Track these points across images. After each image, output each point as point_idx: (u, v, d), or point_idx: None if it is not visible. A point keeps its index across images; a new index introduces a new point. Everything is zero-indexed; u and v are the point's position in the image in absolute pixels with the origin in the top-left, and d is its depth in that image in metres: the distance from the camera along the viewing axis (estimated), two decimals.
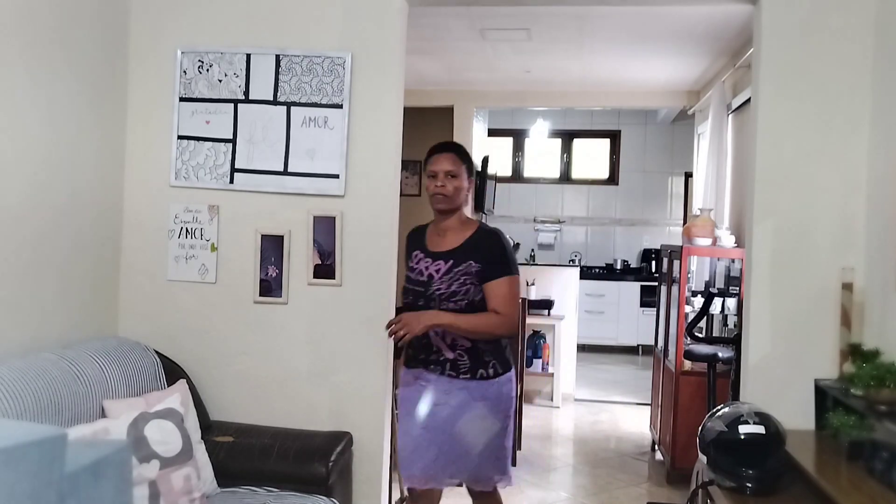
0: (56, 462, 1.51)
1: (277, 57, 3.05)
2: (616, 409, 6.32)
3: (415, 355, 2.68)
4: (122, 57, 3.08)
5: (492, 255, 2.60)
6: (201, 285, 3.11)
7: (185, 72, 3.10)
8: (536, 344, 6.42)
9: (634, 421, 5.89)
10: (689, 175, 8.20)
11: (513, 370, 2.69)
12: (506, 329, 2.60)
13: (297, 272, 3.06)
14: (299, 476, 2.70)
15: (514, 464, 4.61)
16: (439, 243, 2.69)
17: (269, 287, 3.06)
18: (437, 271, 2.62)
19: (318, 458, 2.73)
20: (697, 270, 5.05)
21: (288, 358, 3.08)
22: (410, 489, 2.77)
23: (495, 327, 2.58)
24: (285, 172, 3.05)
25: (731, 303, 4.60)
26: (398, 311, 2.80)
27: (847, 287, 2.77)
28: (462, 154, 2.71)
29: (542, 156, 9.68)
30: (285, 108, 3.05)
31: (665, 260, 4.99)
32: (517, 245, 8.63)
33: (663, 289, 5.04)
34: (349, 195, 3.03)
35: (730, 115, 5.28)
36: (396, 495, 3.47)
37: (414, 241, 2.80)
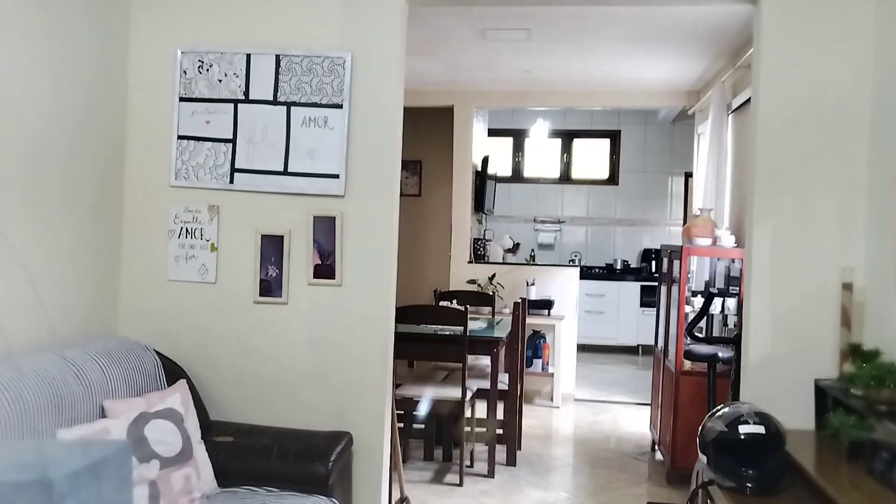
0: (126, 468, 1.58)
1: (277, 57, 3.05)
2: (616, 409, 6.32)
3: None
4: (122, 57, 3.09)
5: None
6: (201, 285, 3.11)
7: (185, 72, 3.10)
8: (536, 344, 6.43)
9: (634, 421, 5.89)
10: (689, 175, 8.20)
11: None
12: None
13: (297, 272, 3.06)
14: (299, 476, 2.69)
15: (514, 464, 4.64)
16: None
17: (269, 287, 3.06)
18: None
19: (318, 458, 2.73)
20: (697, 270, 5.05)
21: (288, 358, 3.07)
22: None
23: None
24: (285, 172, 3.05)
25: (731, 303, 4.59)
26: (398, 311, 2.75)
27: (847, 287, 2.78)
28: None
29: (542, 156, 9.68)
30: (285, 108, 3.05)
31: (665, 260, 4.98)
32: (517, 245, 8.53)
33: (663, 289, 5.04)
34: (349, 195, 3.03)
35: (730, 115, 5.28)
36: (396, 495, 3.48)
37: None
